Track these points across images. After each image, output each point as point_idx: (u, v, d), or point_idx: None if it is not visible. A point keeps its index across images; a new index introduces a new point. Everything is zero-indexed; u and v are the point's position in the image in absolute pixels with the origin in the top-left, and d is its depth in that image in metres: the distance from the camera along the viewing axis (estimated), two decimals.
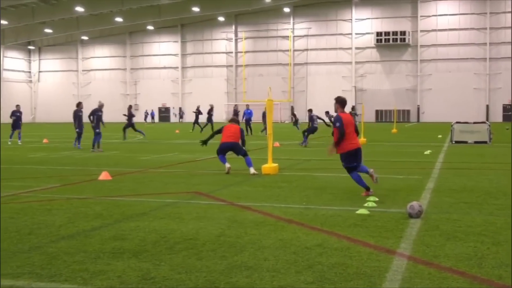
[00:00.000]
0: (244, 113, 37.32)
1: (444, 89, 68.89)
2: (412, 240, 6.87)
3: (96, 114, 23.31)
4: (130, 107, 34.30)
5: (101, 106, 23.93)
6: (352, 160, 10.37)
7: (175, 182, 12.88)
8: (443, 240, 6.85)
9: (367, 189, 10.19)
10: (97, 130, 22.66)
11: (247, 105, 37.68)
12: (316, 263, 5.91)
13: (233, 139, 14.48)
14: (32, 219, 8.38)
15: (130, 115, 31.65)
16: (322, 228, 7.58)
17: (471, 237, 7.00)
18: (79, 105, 24.34)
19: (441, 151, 21.67)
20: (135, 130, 31.29)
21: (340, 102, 10.67)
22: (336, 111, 10.68)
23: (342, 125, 10.22)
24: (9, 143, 27.32)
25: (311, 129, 25.34)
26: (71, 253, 6.37)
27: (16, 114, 28.07)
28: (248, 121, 36.43)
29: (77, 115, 23.92)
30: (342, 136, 10.22)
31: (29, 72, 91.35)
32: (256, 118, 44.05)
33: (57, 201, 10.14)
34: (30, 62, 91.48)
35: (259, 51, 77.63)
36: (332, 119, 21.25)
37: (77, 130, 23.91)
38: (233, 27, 78.71)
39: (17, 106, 28.89)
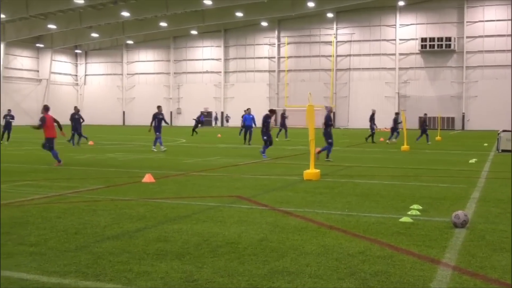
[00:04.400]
0: (244, 119, 31.51)
1: (490, 97, 67.44)
2: (457, 250, 6.76)
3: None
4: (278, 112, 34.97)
5: (330, 110, 20.94)
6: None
7: (218, 185, 12.96)
8: (490, 251, 6.72)
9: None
10: (330, 140, 19.96)
11: (247, 110, 32.52)
12: (359, 270, 5.87)
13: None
14: (78, 219, 8.56)
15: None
16: (364, 235, 7.53)
17: None
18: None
19: (487, 159, 21.23)
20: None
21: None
22: None
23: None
24: (154, 149, 24.71)
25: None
26: (116, 253, 6.49)
27: (158, 117, 25.13)
28: (248, 128, 31.00)
29: (267, 121, 22.02)
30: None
31: (76, 75, 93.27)
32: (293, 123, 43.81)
33: (102, 202, 10.34)
34: (77, 66, 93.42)
35: (301, 57, 77.52)
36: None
37: (264, 137, 21.71)
38: (276, 32, 78.80)
39: (159, 107, 25.96)
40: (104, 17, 70.40)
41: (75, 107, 30.56)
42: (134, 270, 5.82)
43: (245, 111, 32.37)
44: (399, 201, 10.52)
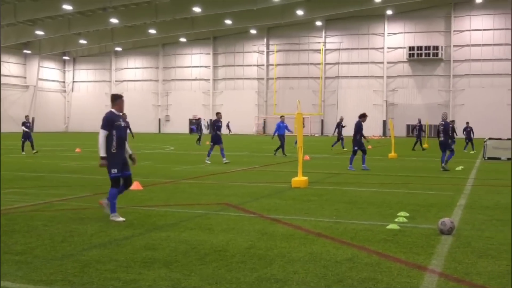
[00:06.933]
0: (277, 127, 27.72)
1: (477, 105, 67.95)
2: (443, 257, 6.80)
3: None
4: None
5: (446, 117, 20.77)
6: None
7: (206, 193, 12.95)
8: (475, 258, 6.77)
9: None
10: (452, 147, 20.10)
11: (281, 117, 28.85)
12: (346, 277, 5.90)
13: None
14: (65, 227, 8.52)
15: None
16: (352, 243, 7.56)
17: (503, 255, 6.90)
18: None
19: (473, 167, 21.38)
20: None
21: None
22: None
23: None
24: (223, 160, 22.18)
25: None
26: (103, 262, 6.46)
27: (218, 124, 22.83)
28: (282, 137, 27.52)
29: (361, 128, 20.03)
30: None
31: (64, 82, 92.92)
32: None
33: (89, 209, 10.29)
34: (64, 72, 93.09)
35: (290, 64, 77.77)
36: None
37: (355, 148, 19.93)
38: (265, 40, 79.01)
39: (218, 114, 23.46)
40: (93, 24, 70.25)
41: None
42: (122, 278, 5.80)
43: (281, 117, 28.80)
44: (387, 209, 10.56)
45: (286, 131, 27.74)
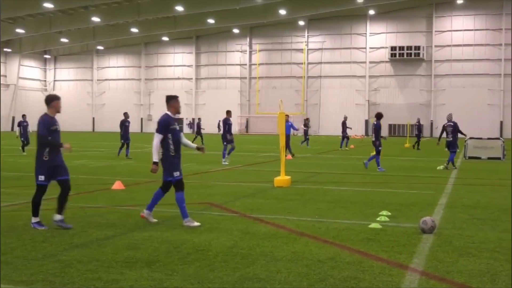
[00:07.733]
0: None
1: (458, 105, 68.44)
2: (424, 256, 6.85)
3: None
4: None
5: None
6: None
7: (188, 192, 12.82)
8: (456, 256, 6.83)
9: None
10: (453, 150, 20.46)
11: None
12: (328, 276, 5.91)
13: None
14: None
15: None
16: (334, 242, 7.58)
17: (484, 254, 6.97)
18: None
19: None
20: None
21: None
22: None
23: None
24: (225, 163, 21.53)
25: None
26: (84, 262, 6.42)
27: (229, 123, 21.77)
28: (287, 136, 24.81)
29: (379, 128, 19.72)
30: None
31: (45, 80, 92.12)
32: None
33: (71, 209, 10.20)
34: (45, 71, 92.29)
35: (273, 64, 77.81)
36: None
37: (380, 148, 19.50)
38: (248, 39, 78.99)
39: (228, 112, 22.14)
40: (74, 22, 69.73)
41: (125, 113, 26.82)
42: (103, 279, 5.77)
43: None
44: (369, 208, 10.61)
45: (291, 130, 26.70)
